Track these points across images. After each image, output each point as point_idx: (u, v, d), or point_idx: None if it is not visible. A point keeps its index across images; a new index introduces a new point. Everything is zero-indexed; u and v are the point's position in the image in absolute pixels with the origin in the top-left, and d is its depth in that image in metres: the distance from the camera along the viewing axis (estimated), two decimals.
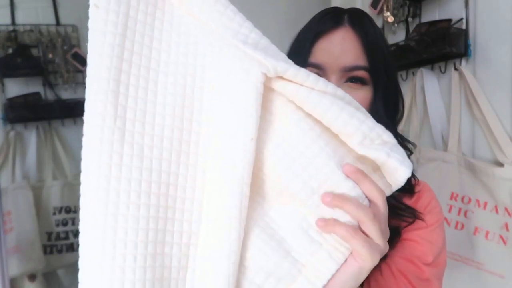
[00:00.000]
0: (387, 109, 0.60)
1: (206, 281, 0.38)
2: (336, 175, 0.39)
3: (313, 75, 0.40)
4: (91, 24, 0.37)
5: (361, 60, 0.58)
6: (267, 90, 0.39)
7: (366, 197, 0.40)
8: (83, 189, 0.36)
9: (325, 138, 0.40)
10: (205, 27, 0.40)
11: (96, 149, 0.35)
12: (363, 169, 0.41)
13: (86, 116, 0.36)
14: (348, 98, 0.41)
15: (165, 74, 0.39)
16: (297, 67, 0.39)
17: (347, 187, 0.39)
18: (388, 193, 0.42)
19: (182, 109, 0.39)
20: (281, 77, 0.39)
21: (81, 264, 0.35)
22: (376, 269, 0.56)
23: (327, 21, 0.60)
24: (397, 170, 0.40)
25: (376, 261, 0.39)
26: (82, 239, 0.35)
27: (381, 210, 0.40)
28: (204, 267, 0.38)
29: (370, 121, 0.41)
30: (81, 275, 0.35)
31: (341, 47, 0.58)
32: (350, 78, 0.58)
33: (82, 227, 0.35)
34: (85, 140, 0.36)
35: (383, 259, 0.56)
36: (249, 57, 0.38)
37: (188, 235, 0.39)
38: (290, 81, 0.39)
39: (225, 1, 0.40)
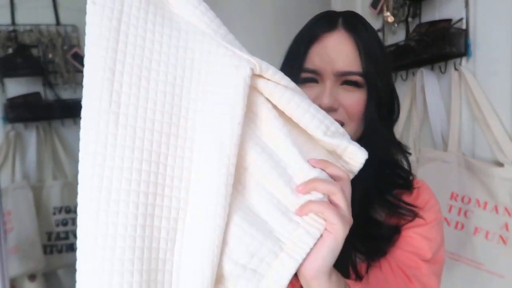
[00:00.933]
0: (380, 110, 0.61)
1: (193, 253, 0.42)
2: (305, 165, 0.45)
3: (287, 77, 0.46)
4: (88, 18, 0.42)
5: (355, 65, 0.59)
6: (250, 90, 0.44)
7: (333, 178, 0.46)
8: (81, 167, 0.40)
9: (294, 134, 0.47)
10: (193, 27, 0.45)
11: (93, 129, 0.39)
12: (328, 159, 0.48)
13: (84, 101, 0.40)
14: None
15: (157, 63, 0.43)
16: (274, 67, 0.45)
17: (316, 173, 0.45)
18: (351, 176, 0.49)
19: (172, 96, 0.44)
20: (262, 76, 0.44)
21: (78, 230, 0.40)
22: (376, 266, 0.59)
23: (321, 25, 0.61)
24: (357, 152, 0.48)
25: (346, 230, 0.44)
26: (79, 208, 0.40)
27: (347, 186, 0.46)
28: (191, 240, 0.42)
29: (329, 117, 0.48)
30: (79, 230, 0.40)
31: (335, 51, 0.59)
32: (345, 81, 0.60)
33: (79, 198, 0.39)
34: (83, 123, 0.40)
35: (383, 255, 0.59)
36: (238, 56, 0.44)
37: (176, 210, 0.43)
38: (269, 79, 0.45)
39: (212, 12, 0.46)
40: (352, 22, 0.61)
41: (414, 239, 0.60)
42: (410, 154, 0.67)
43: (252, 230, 0.42)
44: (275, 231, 0.43)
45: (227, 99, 0.43)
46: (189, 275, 0.42)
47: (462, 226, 1.04)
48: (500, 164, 0.96)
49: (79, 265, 0.39)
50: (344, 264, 0.57)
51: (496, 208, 0.96)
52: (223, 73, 0.44)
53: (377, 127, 0.61)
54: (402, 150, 0.67)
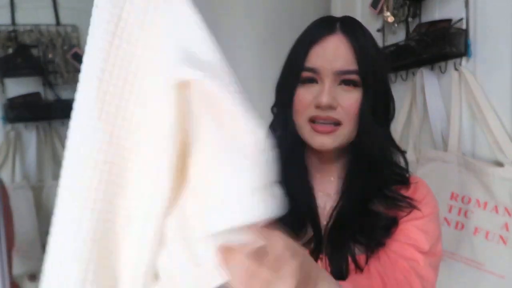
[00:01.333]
0: (376, 109, 0.65)
1: (132, 251, 0.44)
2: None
3: (226, 88, 0.42)
4: (91, 20, 0.45)
5: (352, 65, 0.63)
6: (187, 96, 0.43)
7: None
8: (66, 152, 0.44)
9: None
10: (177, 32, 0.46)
11: (78, 120, 0.44)
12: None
13: (76, 96, 0.44)
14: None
15: (137, 67, 0.46)
16: (209, 75, 0.40)
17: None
18: None
19: (144, 99, 0.46)
20: (201, 84, 0.41)
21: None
22: (375, 258, 0.62)
23: (321, 29, 0.66)
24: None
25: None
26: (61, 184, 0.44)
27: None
28: (133, 235, 0.44)
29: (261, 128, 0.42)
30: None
31: (334, 52, 0.64)
32: (343, 80, 0.64)
33: (62, 177, 0.43)
34: (73, 116, 0.44)
35: (381, 246, 0.62)
36: (173, 64, 0.43)
37: (130, 201, 0.45)
38: (204, 88, 0.42)
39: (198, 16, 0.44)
40: (349, 26, 0.66)
41: (411, 232, 0.63)
42: (405, 152, 0.71)
43: (181, 248, 0.43)
44: (198, 257, 0.42)
45: (155, 112, 0.44)
46: (125, 272, 0.44)
47: (462, 226, 1.04)
48: (500, 164, 0.96)
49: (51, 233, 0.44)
50: (344, 255, 0.61)
51: (496, 208, 0.96)
52: (156, 82, 0.45)
53: (370, 125, 0.65)
54: (398, 148, 0.70)
